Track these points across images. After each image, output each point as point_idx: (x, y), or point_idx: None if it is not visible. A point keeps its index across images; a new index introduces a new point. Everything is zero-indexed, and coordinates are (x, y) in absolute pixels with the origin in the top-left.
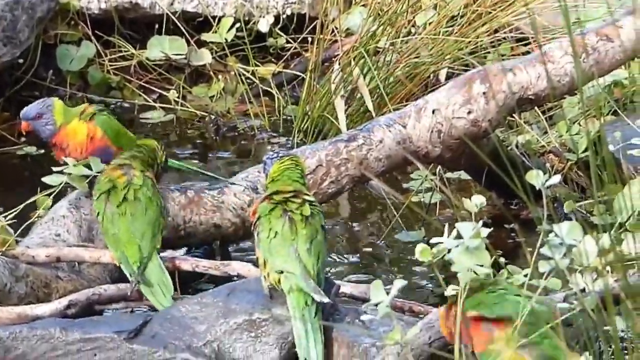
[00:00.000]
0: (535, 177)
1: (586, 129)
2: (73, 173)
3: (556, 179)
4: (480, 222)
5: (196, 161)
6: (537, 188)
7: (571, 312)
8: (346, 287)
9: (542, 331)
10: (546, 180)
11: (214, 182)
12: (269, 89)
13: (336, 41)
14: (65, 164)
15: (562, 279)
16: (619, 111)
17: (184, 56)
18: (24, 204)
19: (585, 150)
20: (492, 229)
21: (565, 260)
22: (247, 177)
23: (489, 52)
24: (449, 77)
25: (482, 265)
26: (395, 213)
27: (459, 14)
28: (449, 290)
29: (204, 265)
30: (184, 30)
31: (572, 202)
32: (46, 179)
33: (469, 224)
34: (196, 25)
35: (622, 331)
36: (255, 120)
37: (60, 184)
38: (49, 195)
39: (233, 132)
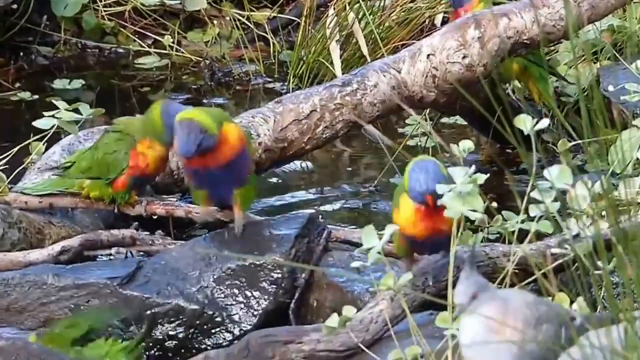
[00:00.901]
0: (523, 122)
1: (577, 73)
2: (63, 117)
3: (544, 123)
4: (473, 167)
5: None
6: (526, 133)
7: (564, 258)
8: (339, 232)
9: None
10: (534, 125)
11: None
12: (264, 34)
13: None
14: None
15: (555, 224)
16: (617, 55)
17: (178, 1)
18: (15, 149)
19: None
20: (487, 174)
21: (555, 204)
22: (240, 122)
23: None
24: (444, 22)
25: (475, 211)
26: (390, 157)
27: None
28: None
29: (196, 212)
30: None
31: (565, 142)
32: (37, 123)
33: (462, 169)
34: None
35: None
36: (250, 66)
37: (52, 127)
38: (42, 140)
39: (228, 78)
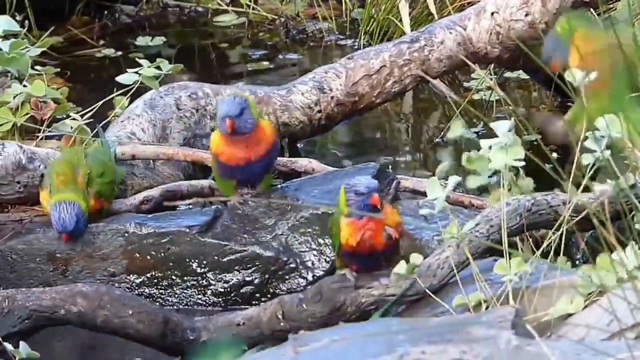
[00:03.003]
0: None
1: (634, 30)
2: (145, 73)
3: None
4: (512, 120)
5: (267, 62)
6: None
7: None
8: (408, 182)
9: None
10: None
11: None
12: None
13: None
14: None
15: (610, 174)
16: None
17: None
18: (100, 103)
19: None
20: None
21: (607, 152)
22: (314, 77)
23: None
24: None
25: (519, 160)
26: (456, 110)
27: None
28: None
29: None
30: None
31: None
32: (120, 78)
33: (505, 122)
34: None
35: None
36: (323, 23)
37: (135, 83)
38: (125, 94)
39: (302, 35)
